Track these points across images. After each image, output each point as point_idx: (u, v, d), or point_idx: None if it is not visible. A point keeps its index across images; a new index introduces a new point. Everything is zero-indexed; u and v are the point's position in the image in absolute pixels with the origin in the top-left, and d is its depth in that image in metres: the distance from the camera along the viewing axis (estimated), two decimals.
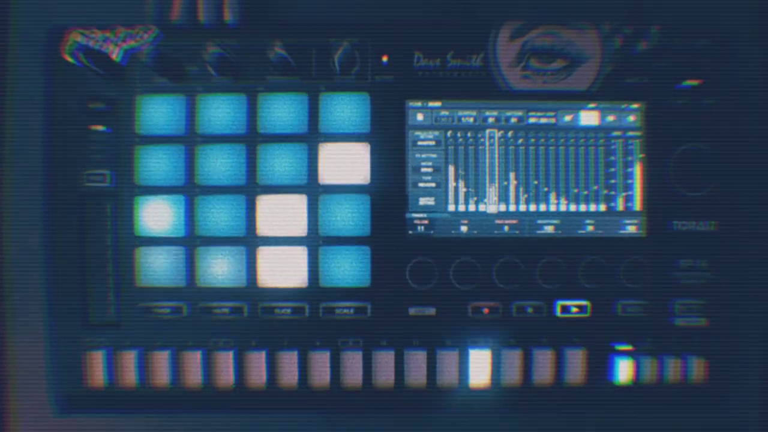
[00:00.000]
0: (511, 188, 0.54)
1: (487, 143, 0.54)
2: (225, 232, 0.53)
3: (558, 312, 0.53)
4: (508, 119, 0.54)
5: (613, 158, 0.54)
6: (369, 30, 0.53)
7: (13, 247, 0.54)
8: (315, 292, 0.53)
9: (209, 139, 0.53)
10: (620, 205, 0.54)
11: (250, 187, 0.53)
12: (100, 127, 0.52)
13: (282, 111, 0.53)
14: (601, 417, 0.55)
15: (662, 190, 0.54)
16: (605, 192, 0.54)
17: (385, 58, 0.53)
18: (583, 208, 0.54)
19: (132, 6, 0.54)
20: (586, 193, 0.54)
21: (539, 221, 0.54)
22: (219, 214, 0.53)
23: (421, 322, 0.53)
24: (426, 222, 0.53)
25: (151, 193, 0.53)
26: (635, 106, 0.54)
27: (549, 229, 0.54)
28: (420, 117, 0.54)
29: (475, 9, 0.56)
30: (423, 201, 0.53)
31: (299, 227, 0.53)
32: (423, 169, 0.53)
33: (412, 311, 0.53)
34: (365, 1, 0.56)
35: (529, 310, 0.53)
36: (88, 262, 0.52)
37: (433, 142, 0.54)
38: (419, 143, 0.53)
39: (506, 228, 0.53)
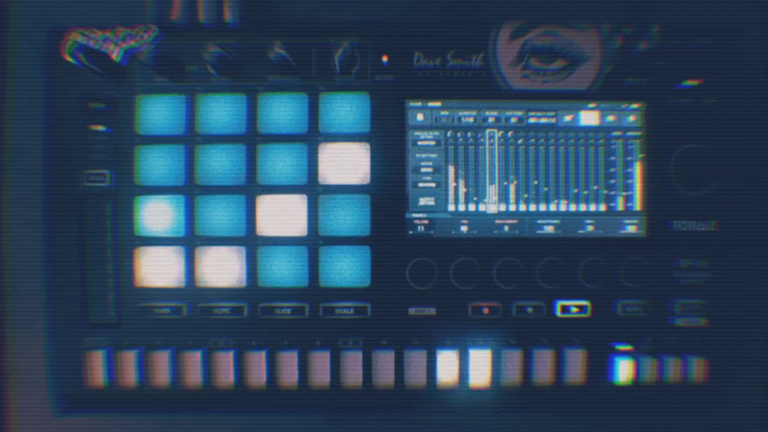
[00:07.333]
0: (511, 188, 0.54)
1: (487, 143, 0.54)
2: (225, 232, 0.53)
3: (558, 312, 0.53)
4: (508, 119, 0.54)
5: (613, 158, 0.54)
6: (369, 30, 0.53)
7: (13, 247, 0.54)
8: (315, 292, 0.53)
9: (209, 139, 0.53)
10: (620, 205, 0.54)
11: (250, 187, 0.53)
12: (100, 127, 0.52)
13: (282, 111, 0.53)
14: (601, 417, 0.55)
15: (662, 190, 0.54)
16: (605, 192, 0.54)
17: (385, 58, 0.53)
18: (583, 208, 0.54)
19: (132, 6, 0.54)
20: (586, 193, 0.54)
21: (539, 221, 0.54)
22: (219, 214, 0.53)
23: (421, 322, 0.53)
24: (426, 222, 0.53)
25: (151, 193, 0.53)
26: (635, 106, 0.54)
27: (549, 229, 0.54)
28: (420, 117, 0.54)
29: (475, 9, 0.56)
30: (423, 201, 0.53)
31: (299, 227, 0.53)
32: (423, 169, 0.53)
33: (412, 311, 0.53)
34: (365, 1, 0.56)
35: (529, 310, 0.53)
36: (88, 262, 0.52)
37: (433, 142, 0.54)
38: (419, 143, 0.53)
39: (506, 228, 0.53)
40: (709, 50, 0.53)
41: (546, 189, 0.54)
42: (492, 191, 0.54)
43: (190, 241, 0.53)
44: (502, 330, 0.53)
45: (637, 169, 0.54)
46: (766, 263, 0.56)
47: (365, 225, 0.53)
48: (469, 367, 0.53)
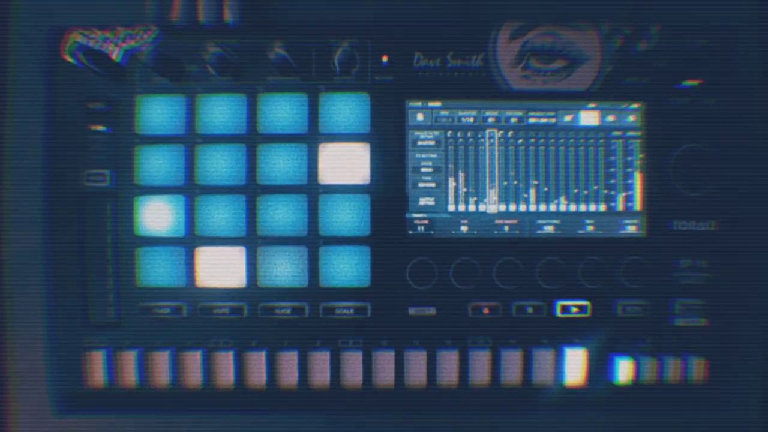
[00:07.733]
0: (511, 188, 0.54)
1: (487, 143, 0.54)
2: (225, 232, 0.53)
3: (558, 312, 0.53)
4: (508, 119, 0.54)
5: (613, 158, 0.54)
6: (369, 30, 0.53)
7: (13, 247, 0.54)
8: (315, 292, 0.53)
9: (209, 139, 0.53)
10: (620, 205, 0.54)
11: (250, 187, 0.53)
12: (100, 127, 0.52)
13: (282, 111, 0.53)
14: (601, 417, 0.55)
15: (662, 190, 0.54)
16: (605, 192, 0.54)
17: (385, 58, 0.53)
18: (583, 208, 0.54)
19: (132, 6, 0.54)
20: (586, 193, 0.54)
21: (539, 221, 0.54)
22: (219, 214, 0.53)
23: (421, 322, 0.53)
24: (426, 222, 0.53)
25: (151, 193, 0.53)
26: (635, 106, 0.54)
27: (549, 229, 0.54)
28: (420, 117, 0.54)
29: (475, 9, 0.56)
30: (423, 201, 0.53)
31: (299, 227, 0.53)
32: (423, 169, 0.53)
33: (412, 311, 0.53)
34: (365, 1, 0.56)
35: (529, 310, 0.53)
36: (88, 262, 0.52)
37: (433, 142, 0.54)
38: (419, 143, 0.53)
39: (506, 228, 0.53)
40: (709, 50, 0.53)
41: (546, 189, 0.54)
42: (492, 191, 0.54)
43: (190, 241, 0.53)
44: (502, 330, 0.53)
45: (637, 169, 0.54)
46: (766, 263, 0.55)
47: (365, 225, 0.53)
48: (470, 367, 0.53)
